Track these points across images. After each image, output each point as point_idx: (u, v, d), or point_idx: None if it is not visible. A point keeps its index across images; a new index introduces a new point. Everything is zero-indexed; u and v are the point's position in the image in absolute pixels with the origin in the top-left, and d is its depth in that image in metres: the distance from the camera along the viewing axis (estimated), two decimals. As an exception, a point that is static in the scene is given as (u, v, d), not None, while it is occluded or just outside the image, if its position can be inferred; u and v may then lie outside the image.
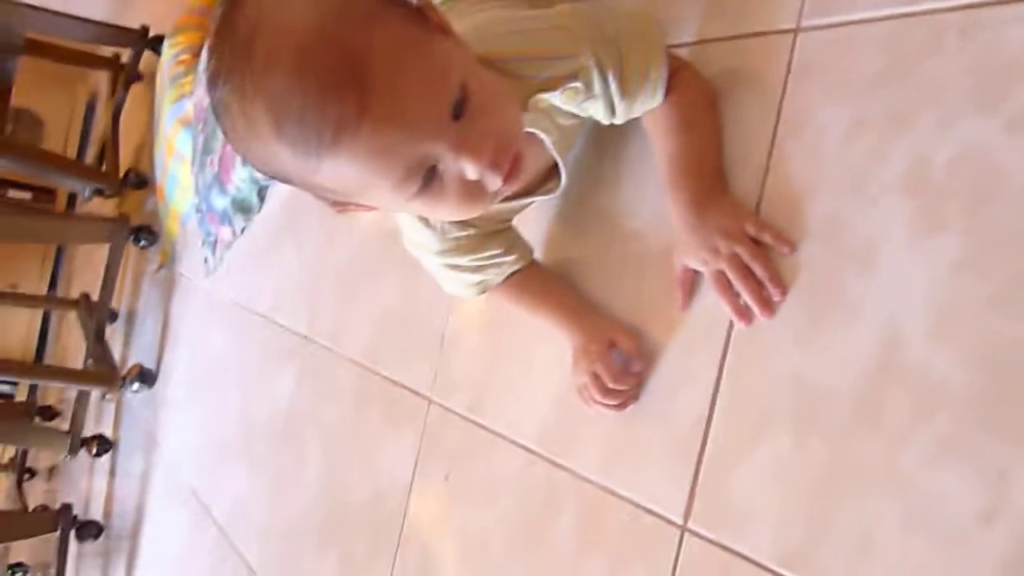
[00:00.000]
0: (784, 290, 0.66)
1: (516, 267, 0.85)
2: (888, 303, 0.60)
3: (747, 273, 0.68)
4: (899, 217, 0.60)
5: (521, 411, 0.92)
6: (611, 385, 0.76)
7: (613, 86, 0.69)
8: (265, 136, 0.53)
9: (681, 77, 0.72)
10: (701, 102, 0.74)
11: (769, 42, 0.72)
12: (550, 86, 0.66)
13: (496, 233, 0.82)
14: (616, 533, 0.77)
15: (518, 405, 0.92)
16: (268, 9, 0.52)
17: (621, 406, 0.77)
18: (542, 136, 0.70)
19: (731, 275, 0.68)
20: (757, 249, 0.68)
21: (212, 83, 0.54)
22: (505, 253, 0.83)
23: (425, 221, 0.77)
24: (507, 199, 0.76)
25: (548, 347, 0.88)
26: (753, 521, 0.66)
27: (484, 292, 0.86)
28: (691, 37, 0.79)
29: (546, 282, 0.87)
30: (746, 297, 0.68)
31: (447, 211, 0.63)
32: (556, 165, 0.75)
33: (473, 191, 0.59)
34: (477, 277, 0.84)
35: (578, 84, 0.67)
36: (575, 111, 0.71)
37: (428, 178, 0.57)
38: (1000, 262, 0.55)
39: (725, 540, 0.67)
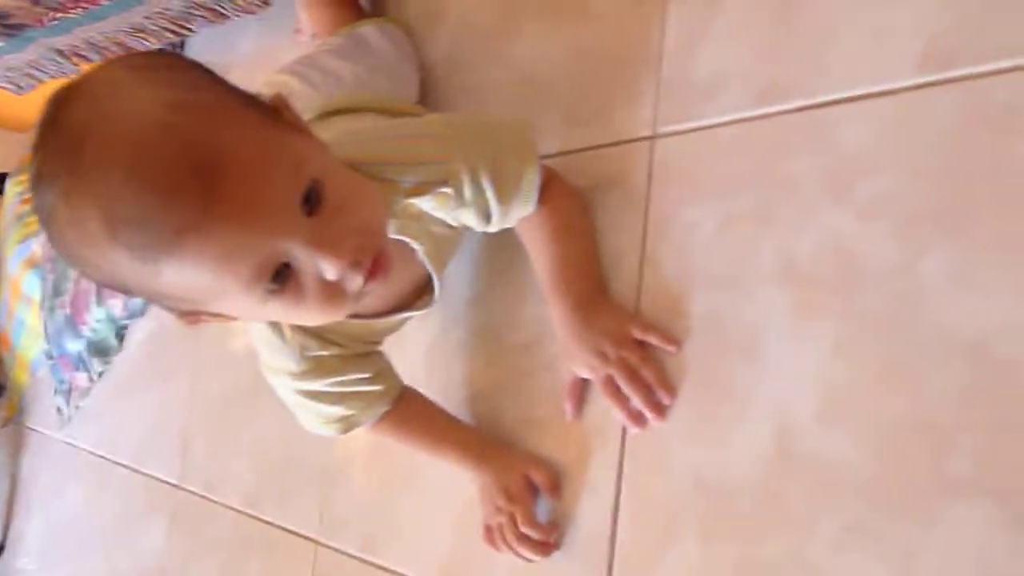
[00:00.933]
0: (673, 393, 0.66)
1: (385, 402, 0.78)
2: (776, 392, 0.60)
3: (635, 377, 0.67)
4: (776, 307, 0.62)
5: (419, 544, 0.86)
6: (527, 532, 0.72)
7: (489, 191, 0.67)
8: (98, 241, 0.47)
9: (552, 186, 0.73)
10: (574, 209, 0.74)
11: (629, 150, 0.74)
12: (419, 191, 0.65)
13: (362, 356, 0.76)
14: (530, 667, 0.72)
15: (415, 538, 0.86)
16: (102, 103, 0.48)
17: (544, 553, 0.72)
18: (413, 244, 0.68)
19: (620, 380, 0.68)
20: (644, 352, 0.68)
21: (35, 185, 0.49)
22: (372, 381, 0.76)
23: (281, 337, 0.70)
24: (378, 315, 0.73)
25: (436, 471, 0.83)
26: (671, 636, 0.63)
27: (349, 430, 0.78)
28: (555, 149, 0.81)
29: (431, 415, 0.82)
30: (636, 402, 0.67)
31: (308, 315, 0.57)
32: (430, 278, 0.73)
33: (333, 291, 0.54)
34: (339, 410, 0.76)
35: (448, 190, 0.65)
36: (448, 219, 0.70)
37: (283, 278, 0.52)
38: (875, 342, 0.56)
39: (645, 661, 0.64)
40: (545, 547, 0.71)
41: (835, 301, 0.58)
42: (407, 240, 0.67)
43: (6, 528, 1.90)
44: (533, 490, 0.74)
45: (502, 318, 0.82)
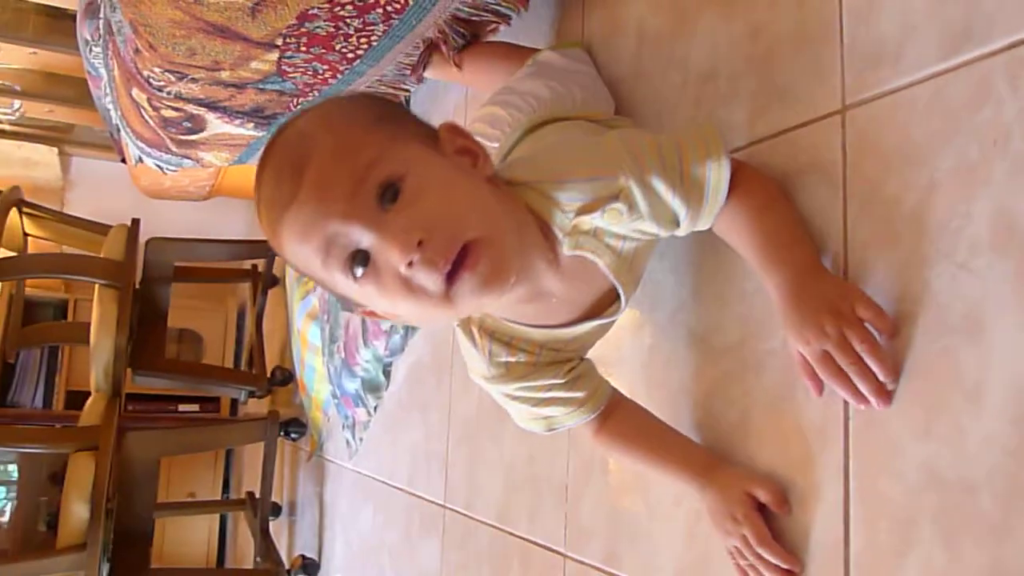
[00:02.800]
0: (897, 377, 0.60)
1: (588, 408, 0.79)
2: (1010, 373, 0.53)
3: (858, 359, 0.61)
4: (997, 278, 0.54)
5: (655, 554, 0.86)
6: (764, 553, 0.68)
7: (669, 195, 0.67)
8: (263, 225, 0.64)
9: (740, 173, 0.69)
10: (769, 186, 0.70)
11: (820, 128, 0.70)
12: (589, 208, 0.66)
13: (555, 364, 0.77)
14: None
15: (651, 548, 0.86)
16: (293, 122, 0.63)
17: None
18: (592, 258, 0.69)
19: (841, 360, 0.62)
20: (868, 334, 0.61)
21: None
22: (569, 387, 0.77)
23: (473, 343, 0.75)
24: (559, 325, 0.74)
25: (663, 484, 0.83)
26: (921, 650, 0.57)
27: (551, 430, 0.81)
28: (743, 141, 0.78)
29: (649, 427, 0.81)
30: (860, 385, 0.61)
31: (405, 310, 0.62)
32: (615, 288, 0.73)
33: (411, 286, 0.58)
34: (541, 411, 0.79)
35: (619, 205, 0.66)
36: (625, 232, 0.69)
37: (360, 262, 0.59)
38: (1126, 307, 0.48)
39: (895, 677, 0.58)
40: (786, 573, 0.67)
41: (1070, 262, 0.50)
42: (585, 255, 0.68)
43: (320, 548, 2.17)
44: (760, 508, 0.70)
45: (708, 322, 0.80)
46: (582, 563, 0.98)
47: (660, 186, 0.66)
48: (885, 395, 0.61)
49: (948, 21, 0.59)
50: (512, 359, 0.75)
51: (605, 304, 0.76)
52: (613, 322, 0.77)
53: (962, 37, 0.58)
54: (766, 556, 0.68)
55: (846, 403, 0.64)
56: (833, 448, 0.65)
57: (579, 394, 0.79)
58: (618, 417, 0.82)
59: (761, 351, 0.73)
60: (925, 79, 0.61)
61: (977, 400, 0.55)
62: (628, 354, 0.91)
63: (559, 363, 0.78)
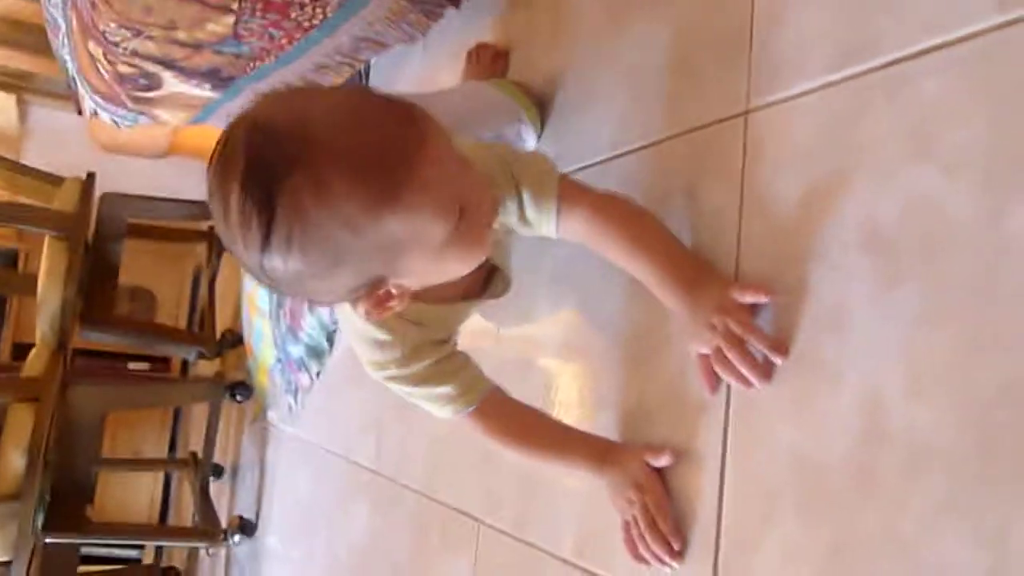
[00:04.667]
0: (784, 349, 0.65)
1: (485, 383, 0.82)
2: (864, 366, 0.58)
3: (738, 342, 0.67)
4: (860, 276, 0.59)
5: (558, 524, 0.90)
6: (659, 522, 0.73)
7: (526, 198, 0.76)
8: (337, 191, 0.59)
9: (581, 192, 0.78)
10: (636, 211, 0.78)
11: (725, 128, 0.74)
12: None
13: (450, 346, 0.82)
14: (651, 640, 0.74)
15: (555, 516, 0.91)
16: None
17: (678, 556, 0.72)
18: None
19: (725, 349, 0.67)
20: (746, 318, 0.67)
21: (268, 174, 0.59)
22: (467, 365, 0.82)
23: (389, 330, 0.76)
24: (452, 300, 0.79)
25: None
26: (774, 613, 0.62)
27: (464, 409, 0.82)
28: (657, 136, 0.82)
29: (538, 417, 0.86)
30: (741, 368, 0.66)
31: (470, 251, 0.68)
32: (491, 273, 0.82)
33: (487, 232, 0.69)
34: (448, 390, 0.80)
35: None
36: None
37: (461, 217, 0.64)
38: (961, 310, 0.53)
39: (750, 637, 0.64)
40: (672, 551, 0.72)
41: (921, 266, 0.55)
42: None
43: (258, 510, 2.20)
44: (659, 474, 0.75)
45: (617, 308, 0.84)
46: (494, 528, 1.03)
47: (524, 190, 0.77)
48: (764, 373, 0.66)
49: (843, 36, 0.64)
50: (421, 338, 0.78)
51: (482, 286, 0.83)
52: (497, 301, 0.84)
53: (852, 52, 0.63)
54: (660, 525, 0.73)
55: (728, 386, 0.69)
56: (715, 427, 0.70)
57: (476, 372, 0.83)
58: (503, 414, 0.84)
59: (662, 336, 0.78)
60: (816, 89, 0.65)
61: (835, 389, 0.60)
62: (541, 335, 0.95)
63: (452, 348, 0.82)
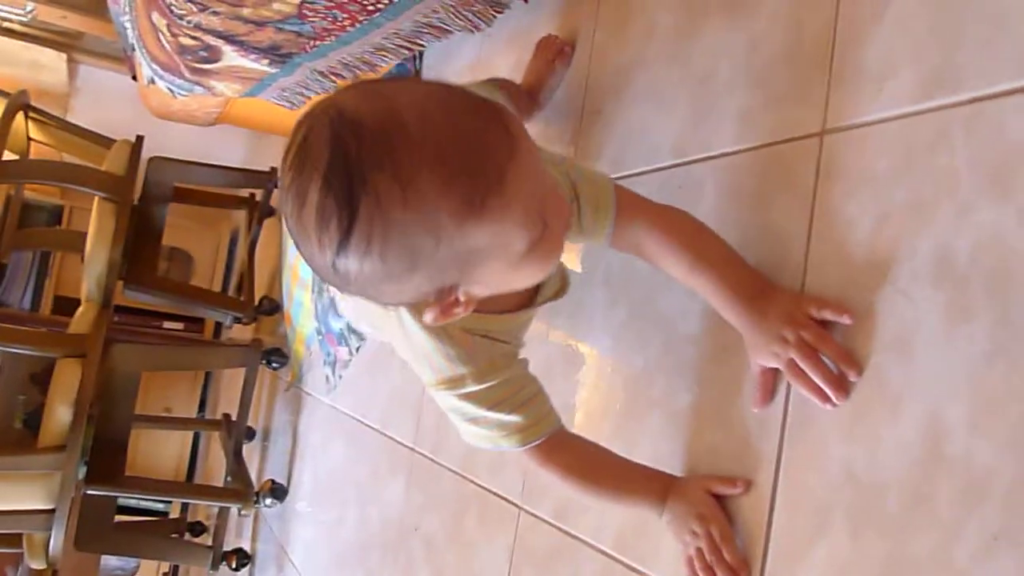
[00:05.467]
0: (857, 366, 0.65)
1: (555, 417, 0.80)
2: (928, 393, 0.60)
3: (814, 355, 0.67)
4: (929, 308, 0.61)
5: (602, 516, 0.93)
6: (725, 552, 0.72)
7: (584, 205, 0.76)
8: (425, 196, 0.57)
9: (667, 217, 0.78)
10: (696, 227, 0.78)
11: (799, 146, 0.75)
12: None
13: (522, 363, 0.81)
14: (691, 638, 0.76)
15: (599, 510, 0.94)
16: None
17: None
18: None
19: (800, 361, 0.68)
20: (822, 331, 0.68)
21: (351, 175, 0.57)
22: (540, 393, 0.80)
23: (453, 343, 0.74)
24: (514, 309, 0.78)
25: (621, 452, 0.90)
26: (819, 623, 0.65)
27: (525, 444, 0.79)
28: (727, 148, 0.83)
29: (601, 453, 0.84)
30: (818, 380, 0.67)
31: (546, 261, 0.67)
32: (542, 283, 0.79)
33: (562, 243, 0.68)
34: (516, 419, 0.77)
35: None
36: None
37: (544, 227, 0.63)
38: (1031, 348, 0.54)
39: (794, 644, 0.66)
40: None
41: (991, 304, 0.57)
42: None
43: (289, 475, 2.26)
44: (722, 506, 0.75)
45: (677, 309, 0.86)
46: (535, 516, 1.06)
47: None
48: (841, 387, 0.66)
49: (926, 66, 0.65)
50: (491, 352, 0.76)
51: (532, 296, 0.80)
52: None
53: (934, 84, 0.64)
54: (725, 555, 0.72)
55: (786, 400, 0.71)
56: (770, 440, 0.72)
57: (548, 404, 0.81)
58: (566, 450, 0.82)
59: (719, 344, 0.79)
60: (897, 117, 0.66)
61: (896, 413, 0.62)
62: (599, 325, 0.97)
63: (524, 365, 0.80)
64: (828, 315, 0.67)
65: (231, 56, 1.56)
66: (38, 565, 2.00)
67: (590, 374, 1.00)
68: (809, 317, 0.68)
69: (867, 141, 0.68)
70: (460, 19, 1.28)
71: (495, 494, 1.17)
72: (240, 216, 2.96)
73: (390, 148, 0.57)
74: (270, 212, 2.73)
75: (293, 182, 0.58)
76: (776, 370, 0.72)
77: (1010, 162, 0.57)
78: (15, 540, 2.03)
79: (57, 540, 1.91)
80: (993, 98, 0.59)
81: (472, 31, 1.30)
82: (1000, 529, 0.54)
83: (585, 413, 0.98)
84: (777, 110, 0.78)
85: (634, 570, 0.86)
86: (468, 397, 0.77)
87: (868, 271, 0.66)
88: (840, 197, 0.70)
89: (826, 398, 0.67)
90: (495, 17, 1.26)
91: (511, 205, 0.59)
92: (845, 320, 0.66)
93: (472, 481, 1.24)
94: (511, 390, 0.77)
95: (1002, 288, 0.56)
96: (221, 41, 1.50)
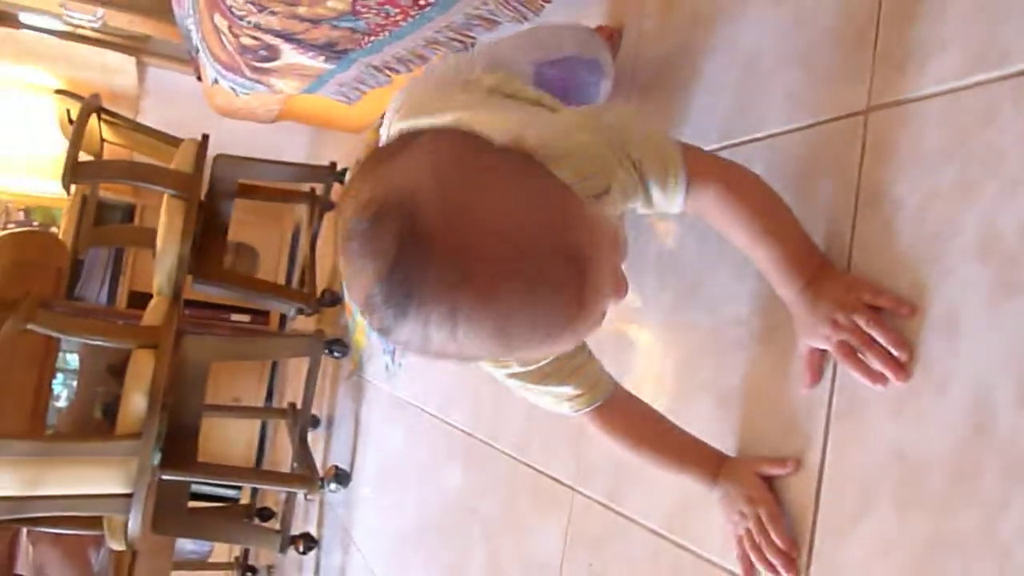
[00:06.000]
0: (911, 352, 0.65)
1: (607, 382, 0.82)
2: (975, 370, 0.60)
3: (870, 341, 0.67)
4: (976, 285, 0.60)
5: (651, 497, 0.94)
6: (773, 533, 0.73)
7: (653, 185, 0.72)
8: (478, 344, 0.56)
9: (737, 177, 0.75)
10: (767, 193, 0.75)
11: (844, 125, 0.75)
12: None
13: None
14: (740, 616, 0.77)
15: (649, 490, 0.95)
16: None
17: (790, 570, 0.72)
18: None
19: (856, 344, 0.68)
20: (876, 315, 0.67)
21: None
22: (589, 360, 0.81)
23: None
24: None
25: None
26: (867, 600, 0.65)
27: (582, 408, 0.81)
28: (774, 129, 0.83)
29: (653, 426, 0.85)
30: (876, 364, 0.67)
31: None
32: None
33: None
34: (569, 390, 0.79)
35: (611, 195, 0.70)
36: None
37: None
38: (1079, 322, 0.54)
39: (842, 621, 0.67)
40: (789, 562, 0.72)
41: (1039, 277, 0.56)
42: None
43: (352, 461, 2.32)
44: (771, 486, 0.76)
45: (722, 293, 0.87)
46: (588, 497, 1.08)
47: (648, 174, 0.72)
48: (900, 368, 0.65)
49: (972, 41, 0.64)
50: None
51: None
52: None
53: (980, 58, 0.63)
54: (774, 536, 0.73)
55: (832, 381, 0.71)
56: (817, 421, 0.72)
57: (597, 366, 0.82)
58: (623, 413, 0.83)
59: (766, 326, 0.80)
60: (943, 93, 0.66)
61: (943, 391, 0.62)
62: (649, 309, 0.98)
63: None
64: (883, 303, 0.67)
65: (289, 54, 1.61)
66: (118, 546, 2.10)
67: (639, 358, 1.01)
68: (863, 303, 0.68)
69: (913, 118, 0.68)
70: (509, 9, 1.30)
71: (550, 476, 1.19)
72: (302, 210, 3.04)
73: (452, 290, 0.53)
74: (330, 206, 2.80)
75: (354, 240, 0.56)
76: (823, 351, 0.72)
77: (1058, 135, 0.56)
78: (96, 523, 2.14)
79: (135, 523, 2.01)
80: (1039, 71, 0.58)
81: (520, 21, 1.31)
82: (1048, 505, 0.53)
83: (646, 395, 1.00)
84: (823, 89, 0.78)
85: (684, 548, 0.87)
86: (514, 376, 0.79)
87: (915, 249, 0.66)
88: (886, 176, 0.70)
89: (881, 379, 0.66)
90: (543, 7, 1.27)
91: (583, 328, 0.59)
92: (904, 312, 0.65)
93: (527, 464, 1.26)
94: (556, 366, 0.78)
95: (1050, 263, 0.56)
96: (279, 40, 1.55)
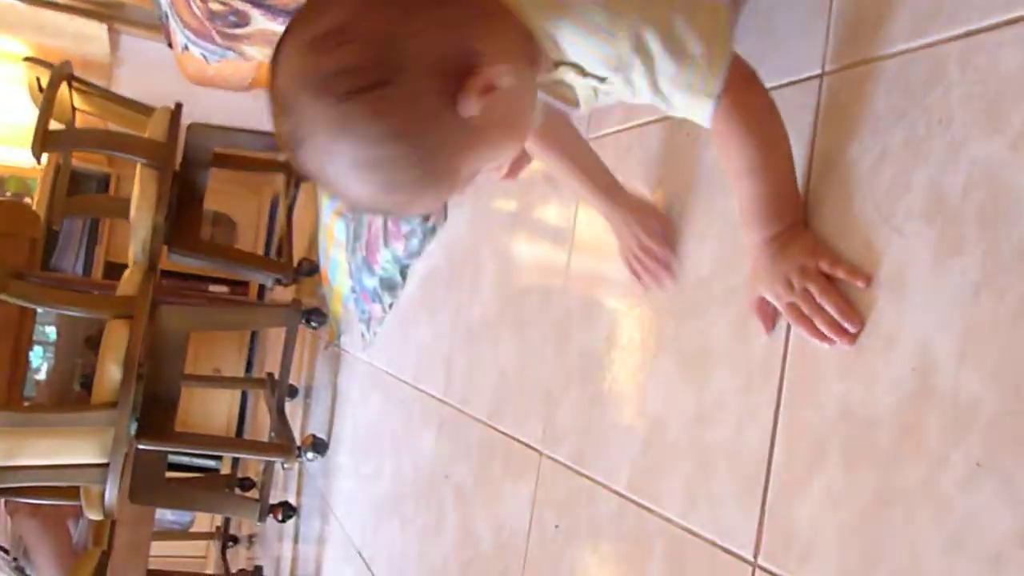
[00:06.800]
0: (860, 322, 0.66)
1: None
2: (920, 328, 0.61)
3: (819, 308, 0.69)
4: (922, 243, 0.61)
5: (615, 460, 0.96)
6: (655, 248, 0.88)
7: (662, 60, 0.62)
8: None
9: (750, 86, 0.68)
10: (779, 126, 0.70)
11: (800, 88, 0.75)
12: (580, 71, 0.66)
13: None
14: (697, 572, 0.79)
15: (612, 454, 0.97)
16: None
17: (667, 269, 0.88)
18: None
19: (805, 309, 0.69)
20: (828, 285, 0.68)
21: None
22: None
23: None
24: None
25: (631, 398, 0.92)
26: (815, 553, 0.67)
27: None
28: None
29: (583, 147, 0.92)
30: (823, 329, 0.68)
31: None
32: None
33: None
34: None
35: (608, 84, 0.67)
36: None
37: None
38: (1018, 281, 0.55)
39: (791, 575, 0.69)
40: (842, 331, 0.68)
41: (982, 236, 0.57)
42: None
43: (330, 430, 2.33)
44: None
45: (685, 253, 0.88)
46: (555, 461, 1.09)
47: (654, 45, 0.62)
48: (846, 334, 0.67)
49: (921, 3, 0.65)
50: None
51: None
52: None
53: (929, 19, 0.63)
54: (654, 247, 0.88)
55: (786, 340, 0.73)
56: (771, 379, 0.74)
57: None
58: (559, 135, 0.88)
59: (727, 284, 0.81)
60: (894, 55, 0.66)
61: (889, 349, 0.63)
62: (610, 273, 0.99)
63: None
64: (840, 274, 0.67)
65: (259, 20, 1.60)
66: (96, 516, 2.11)
67: (607, 314, 1.02)
68: (819, 271, 0.69)
69: (866, 81, 0.69)
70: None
71: (519, 441, 1.20)
72: (279, 180, 3.02)
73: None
74: (307, 176, 2.78)
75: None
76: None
77: (1003, 95, 0.57)
78: (74, 493, 2.15)
79: (111, 493, 2.01)
80: (987, 31, 0.59)
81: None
82: (983, 457, 0.55)
83: (612, 361, 1.01)
84: (780, 55, 0.78)
85: (645, 508, 0.88)
86: None
87: (866, 210, 0.67)
88: (840, 137, 0.70)
89: (828, 340, 0.68)
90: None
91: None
92: (859, 285, 0.66)
93: (497, 430, 1.28)
94: None
95: (992, 220, 0.57)
96: (248, 5, 1.53)
